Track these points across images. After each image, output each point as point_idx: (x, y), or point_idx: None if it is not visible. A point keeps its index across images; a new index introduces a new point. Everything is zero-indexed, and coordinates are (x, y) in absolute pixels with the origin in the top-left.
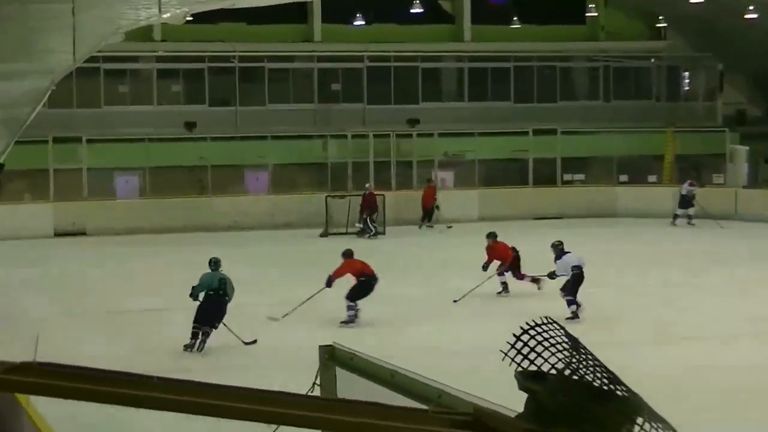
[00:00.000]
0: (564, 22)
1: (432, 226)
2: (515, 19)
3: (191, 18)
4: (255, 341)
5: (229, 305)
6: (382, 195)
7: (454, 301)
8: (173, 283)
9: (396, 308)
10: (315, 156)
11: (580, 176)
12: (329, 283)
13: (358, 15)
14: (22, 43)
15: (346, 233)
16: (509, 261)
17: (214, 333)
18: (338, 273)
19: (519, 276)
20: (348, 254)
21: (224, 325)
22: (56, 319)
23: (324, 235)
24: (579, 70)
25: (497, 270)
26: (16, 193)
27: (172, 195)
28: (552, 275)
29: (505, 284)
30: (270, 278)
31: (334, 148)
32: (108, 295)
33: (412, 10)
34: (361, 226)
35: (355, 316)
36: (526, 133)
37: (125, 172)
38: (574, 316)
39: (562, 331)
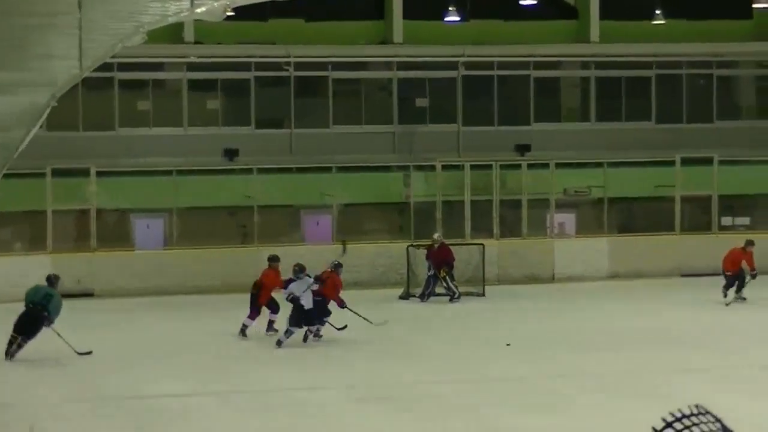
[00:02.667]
0: (723, 17)
1: (745, 298)
2: (658, 12)
3: (232, 13)
4: (90, 352)
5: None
6: (481, 245)
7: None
8: (205, 361)
9: (492, 389)
10: (394, 193)
11: (744, 220)
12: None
13: (451, 9)
14: (13, 46)
15: (436, 294)
16: None
17: None
18: None
19: None
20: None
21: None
22: (56, 407)
23: (404, 296)
24: (743, 80)
25: None
26: (4, 242)
27: (207, 244)
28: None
29: None
30: (333, 354)
31: (418, 183)
32: (122, 376)
33: (521, 2)
34: (442, 289)
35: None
36: (673, 162)
37: (146, 214)
38: (279, 340)
39: (718, 424)
